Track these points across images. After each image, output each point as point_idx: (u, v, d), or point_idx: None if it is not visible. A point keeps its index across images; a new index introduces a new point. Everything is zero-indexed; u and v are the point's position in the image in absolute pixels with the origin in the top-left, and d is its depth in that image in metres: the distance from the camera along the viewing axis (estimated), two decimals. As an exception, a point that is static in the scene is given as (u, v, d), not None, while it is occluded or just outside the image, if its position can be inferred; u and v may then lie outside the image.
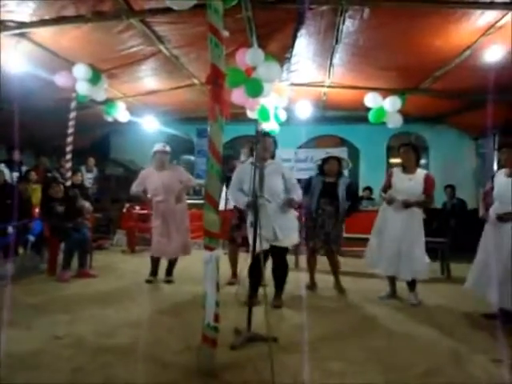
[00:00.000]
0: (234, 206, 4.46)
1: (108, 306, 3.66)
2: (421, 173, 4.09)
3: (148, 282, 4.61)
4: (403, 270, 3.95)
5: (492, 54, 4.56)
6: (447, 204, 7.81)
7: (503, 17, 3.94)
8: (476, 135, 8.56)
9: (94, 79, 5.63)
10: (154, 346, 2.76)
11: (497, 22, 4.06)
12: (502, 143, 3.64)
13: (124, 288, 4.37)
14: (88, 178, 8.20)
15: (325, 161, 4.54)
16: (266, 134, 3.88)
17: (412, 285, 4.07)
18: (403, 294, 4.16)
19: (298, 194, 3.75)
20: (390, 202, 4.02)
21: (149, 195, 4.74)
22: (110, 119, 7.18)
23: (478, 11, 3.94)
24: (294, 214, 3.87)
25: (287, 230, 3.67)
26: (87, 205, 5.54)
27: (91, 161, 8.32)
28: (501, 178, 3.51)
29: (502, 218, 3.29)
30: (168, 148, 4.84)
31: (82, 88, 5.60)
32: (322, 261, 4.64)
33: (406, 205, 3.92)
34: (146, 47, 5.24)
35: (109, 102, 6.93)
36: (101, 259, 5.84)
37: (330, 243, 4.38)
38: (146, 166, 5.07)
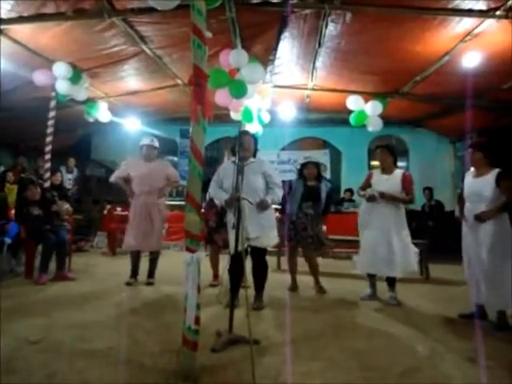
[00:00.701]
0: (213, 207, 4.46)
1: (86, 310, 3.59)
2: (398, 172, 4.19)
3: (128, 284, 4.54)
4: (392, 266, 4.00)
5: (469, 60, 4.68)
6: (426, 206, 7.98)
7: (480, 24, 4.06)
8: (454, 138, 8.81)
9: (75, 78, 5.54)
10: (133, 349, 2.71)
11: (474, 29, 4.18)
12: (469, 145, 3.74)
13: (103, 291, 4.29)
14: (68, 178, 8.04)
15: (303, 166, 4.64)
16: (245, 133, 3.87)
17: (392, 284, 4.13)
18: (383, 295, 4.22)
19: (277, 195, 3.71)
20: (371, 198, 4.09)
21: (133, 185, 4.63)
22: (91, 119, 7.07)
23: (457, 18, 4.06)
24: (272, 214, 3.88)
25: (265, 230, 3.65)
26: (66, 206, 5.42)
27: (71, 161, 8.17)
28: (468, 178, 3.62)
29: (479, 218, 3.38)
30: (156, 142, 4.79)
31: (62, 87, 5.50)
32: (303, 262, 4.66)
33: (382, 196, 3.99)
34: (128, 47, 5.19)
35: (90, 101, 6.83)
36: (80, 262, 5.72)
37: (306, 244, 4.43)
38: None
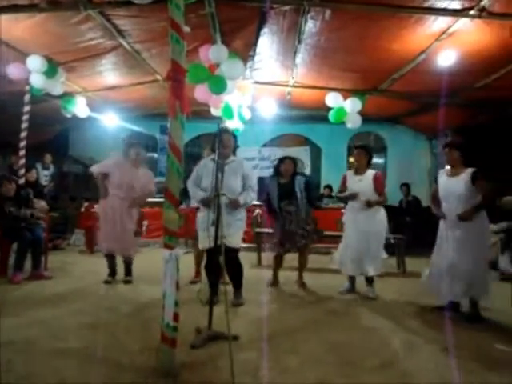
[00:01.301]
0: None
1: (63, 308, 3.53)
2: (370, 173, 4.26)
3: (106, 282, 4.48)
4: (365, 267, 4.12)
5: (444, 59, 4.78)
6: (403, 201, 8.15)
7: (454, 23, 4.14)
8: (430, 136, 9.01)
9: (50, 72, 5.39)
10: (111, 348, 2.68)
11: (448, 28, 4.27)
12: (445, 144, 3.83)
13: (80, 289, 4.23)
14: (44, 175, 7.86)
15: (281, 161, 4.64)
16: (225, 131, 3.86)
17: (370, 280, 4.21)
18: (362, 289, 4.29)
19: (250, 197, 3.69)
20: (351, 197, 4.14)
21: (109, 185, 4.50)
22: (68, 115, 6.90)
23: (432, 17, 4.12)
24: (244, 216, 3.85)
25: (235, 230, 3.63)
26: (42, 203, 5.29)
27: (48, 157, 7.97)
28: (443, 177, 3.69)
29: (463, 218, 3.44)
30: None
31: (37, 81, 5.35)
32: (285, 257, 4.70)
33: (369, 204, 4.07)
34: (106, 40, 5.07)
35: (66, 96, 6.66)
36: (57, 260, 5.60)
37: (300, 242, 4.44)
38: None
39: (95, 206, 7.07)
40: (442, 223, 3.68)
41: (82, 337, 2.87)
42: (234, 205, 3.57)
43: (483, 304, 3.55)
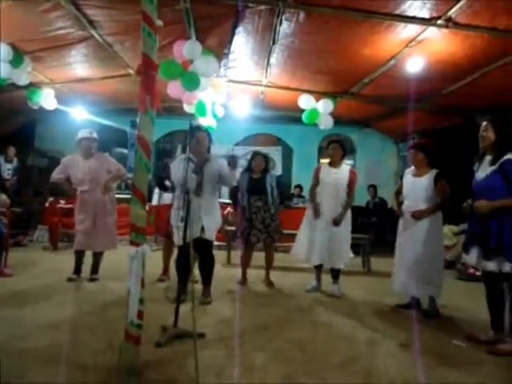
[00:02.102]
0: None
1: (24, 307, 3.40)
2: (346, 167, 4.40)
3: (70, 280, 4.34)
4: (332, 259, 4.20)
5: (413, 65, 4.93)
6: (370, 202, 8.38)
7: (423, 31, 4.29)
8: (398, 139, 9.33)
9: (16, 61, 5.16)
10: (74, 347, 2.61)
11: (418, 36, 4.41)
12: (410, 145, 3.99)
13: (43, 287, 4.08)
14: (7, 168, 7.55)
15: (252, 157, 4.71)
16: (199, 129, 3.84)
17: (336, 277, 4.31)
18: (327, 287, 4.38)
19: (231, 179, 3.72)
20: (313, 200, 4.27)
21: (73, 184, 4.45)
22: (35, 106, 6.64)
23: (402, 24, 4.25)
24: (218, 209, 3.91)
25: (212, 225, 3.68)
26: (3, 198, 5.07)
27: (11, 150, 7.66)
28: (408, 177, 3.83)
29: (415, 216, 3.59)
30: (95, 134, 4.59)
31: (2, 70, 5.11)
32: (253, 256, 4.73)
33: (337, 221, 4.17)
34: (76, 31, 4.92)
35: (32, 87, 6.41)
36: (19, 257, 5.38)
37: (267, 237, 4.50)
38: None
39: (61, 201, 6.88)
40: (400, 222, 3.81)
41: (44, 336, 2.78)
42: (233, 160, 3.57)
43: (440, 302, 3.70)
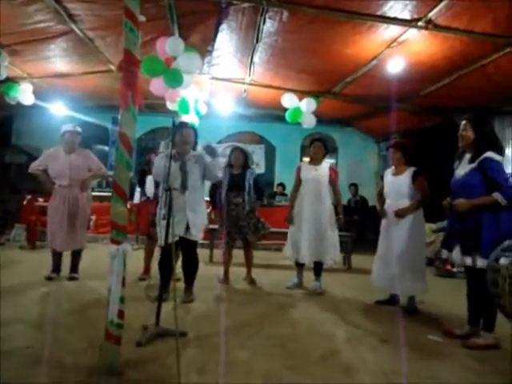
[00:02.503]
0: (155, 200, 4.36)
1: (3, 307, 3.28)
2: (326, 164, 4.46)
3: (49, 278, 4.25)
4: (319, 252, 4.25)
5: (394, 66, 5.01)
6: (351, 201, 8.50)
7: (404, 33, 4.36)
8: (379, 139, 9.49)
9: (-9, 54, 5.02)
10: (53, 347, 2.56)
11: (399, 37, 4.48)
12: (389, 144, 4.08)
13: (20, 286, 3.99)
14: (-17, 165, 7.32)
15: (231, 152, 4.73)
16: (185, 125, 3.81)
17: (318, 274, 4.36)
18: (309, 284, 4.42)
19: (215, 171, 3.73)
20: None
21: (52, 178, 4.37)
22: (12, 101, 6.45)
23: (384, 25, 4.31)
24: (204, 208, 3.89)
25: (198, 223, 3.66)
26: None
27: (-13, 146, 7.43)
28: (388, 176, 3.92)
29: (398, 214, 3.66)
30: (78, 128, 4.53)
31: (-24, 63, 4.96)
32: (236, 254, 4.73)
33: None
34: (55, 24, 4.80)
35: (8, 81, 6.23)
36: (-5, 255, 5.26)
37: (244, 234, 4.51)
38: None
39: (39, 199, 6.73)
40: (383, 220, 3.88)
41: (20, 336, 2.73)
42: (210, 150, 3.57)
43: (419, 298, 3.79)
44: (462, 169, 3.00)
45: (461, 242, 2.93)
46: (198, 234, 3.67)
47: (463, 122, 3.03)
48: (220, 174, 3.93)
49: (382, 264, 3.80)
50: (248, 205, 4.53)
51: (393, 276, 3.64)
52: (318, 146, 4.44)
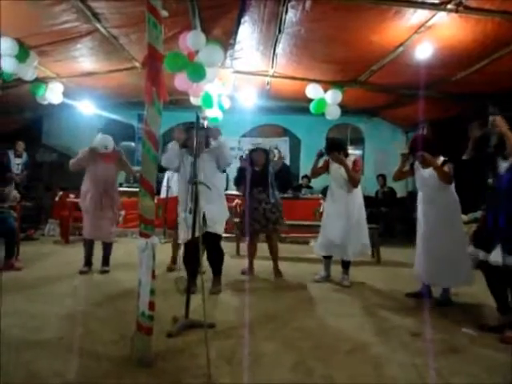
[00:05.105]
0: None
1: (36, 299, 3.46)
2: (350, 159, 4.45)
3: (82, 272, 4.40)
4: (348, 250, 4.20)
5: (422, 52, 4.84)
6: (379, 192, 8.32)
7: (432, 17, 4.20)
8: (407, 128, 9.17)
9: (22, 56, 5.17)
10: (86, 338, 2.65)
11: (427, 22, 4.31)
12: (409, 147, 3.99)
13: (55, 280, 4.14)
14: (17, 163, 7.59)
15: (252, 151, 4.84)
16: (193, 127, 3.82)
17: (346, 267, 4.31)
18: (337, 277, 4.37)
19: (227, 158, 3.80)
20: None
21: (87, 176, 4.63)
22: (43, 101, 6.65)
23: (411, 9, 4.15)
24: (225, 202, 3.93)
25: (217, 216, 3.66)
26: (14, 193, 5.12)
27: (20, 145, 7.69)
28: (419, 169, 3.79)
29: (424, 157, 3.60)
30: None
31: (8, 65, 5.13)
32: (262, 247, 4.73)
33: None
34: (81, 24, 4.89)
35: (37, 82, 6.42)
36: (30, 250, 5.47)
37: (269, 227, 4.55)
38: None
39: (70, 195, 6.94)
40: (419, 211, 3.77)
41: (55, 327, 2.83)
42: (213, 133, 3.66)
43: (453, 290, 3.67)
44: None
45: (505, 241, 2.78)
46: (217, 227, 3.67)
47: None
48: (231, 161, 3.94)
49: (423, 257, 3.68)
50: (273, 199, 4.57)
51: (439, 268, 3.52)
52: (334, 156, 4.39)
